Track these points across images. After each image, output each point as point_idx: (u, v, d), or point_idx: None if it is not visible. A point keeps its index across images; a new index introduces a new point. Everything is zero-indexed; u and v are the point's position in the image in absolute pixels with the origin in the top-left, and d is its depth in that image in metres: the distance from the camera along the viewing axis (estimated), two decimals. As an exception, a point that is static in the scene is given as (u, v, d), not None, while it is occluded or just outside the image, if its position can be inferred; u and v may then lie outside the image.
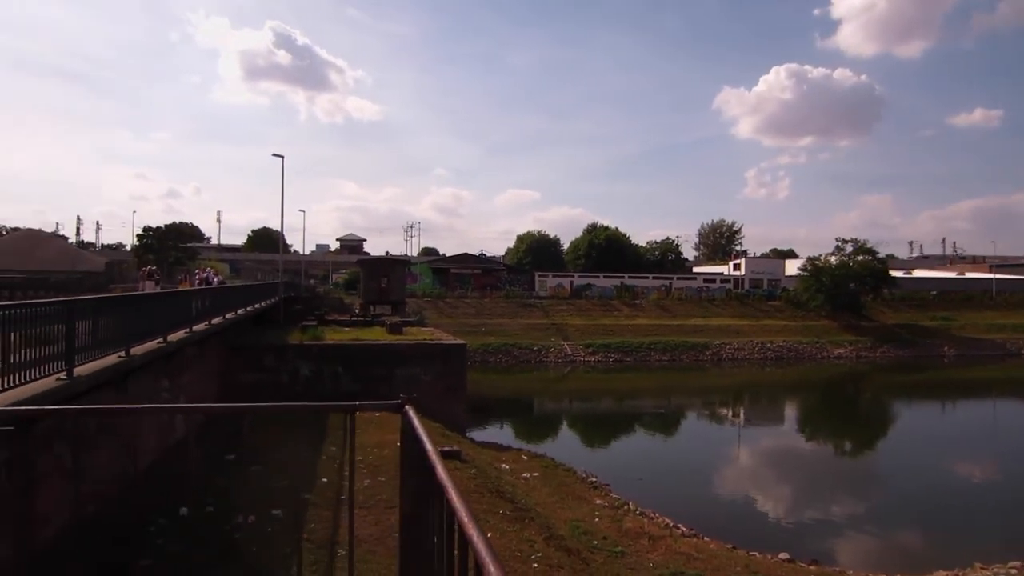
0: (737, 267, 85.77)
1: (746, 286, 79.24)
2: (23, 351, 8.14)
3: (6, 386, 7.60)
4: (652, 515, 18.10)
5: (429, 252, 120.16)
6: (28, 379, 8.13)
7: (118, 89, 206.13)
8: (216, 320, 20.12)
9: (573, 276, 78.04)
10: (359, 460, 16.03)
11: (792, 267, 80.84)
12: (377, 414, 15.65)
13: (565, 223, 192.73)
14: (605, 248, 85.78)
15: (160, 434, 15.65)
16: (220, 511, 12.61)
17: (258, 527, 11.79)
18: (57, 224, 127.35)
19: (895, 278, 78.65)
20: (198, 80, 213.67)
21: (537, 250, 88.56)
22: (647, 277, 78.61)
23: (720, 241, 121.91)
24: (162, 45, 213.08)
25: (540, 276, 76.35)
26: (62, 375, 8.97)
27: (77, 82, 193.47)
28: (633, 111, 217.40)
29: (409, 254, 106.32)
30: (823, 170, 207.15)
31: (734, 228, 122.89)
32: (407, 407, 3.10)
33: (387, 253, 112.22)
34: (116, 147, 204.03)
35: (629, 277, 77.45)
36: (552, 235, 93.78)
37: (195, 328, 17.13)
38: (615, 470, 23.65)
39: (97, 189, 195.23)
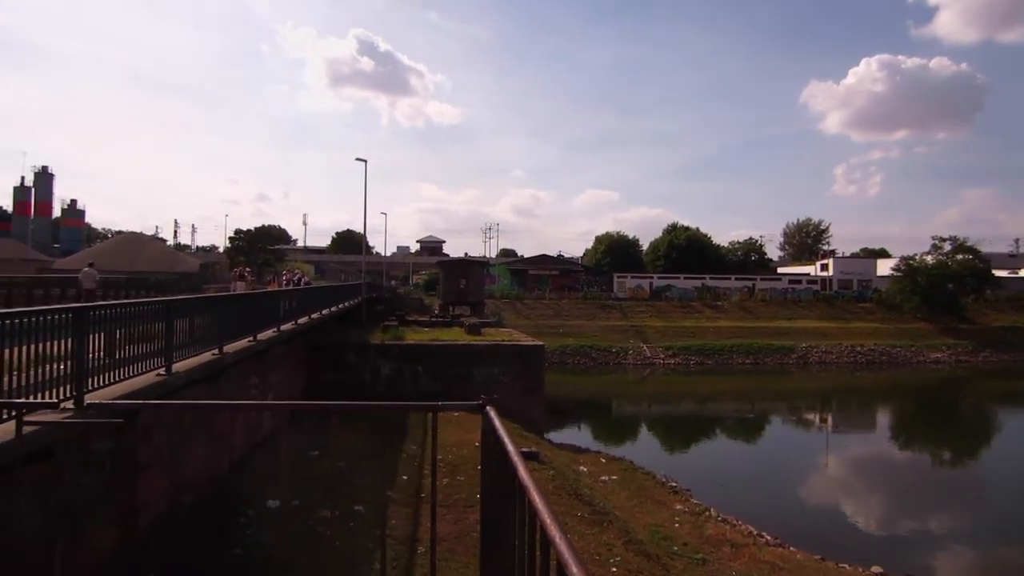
0: (825, 267, 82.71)
1: (834, 287, 76.36)
2: (127, 347, 8.63)
3: (113, 380, 8.06)
4: (735, 522, 17.66)
5: (507, 253, 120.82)
6: (132, 374, 8.60)
7: (214, 99, 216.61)
8: (302, 320, 20.79)
9: (652, 277, 76.98)
10: (438, 459, 16.26)
11: (884, 267, 77.36)
12: (456, 413, 15.86)
13: (644, 223, 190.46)
14: (685, 249, 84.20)
15: (249, 429, 16.29)
16: (305, 505, 13.02)
17: (341, 522, 12.13)
18: (156, 227, 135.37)
19: (999, 278, 74.21)
20: (286, 88, 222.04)
21: (616, 251, 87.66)
22: (729, 278, 76.76)
23: (806, 240, 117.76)
24: (254, 56, 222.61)
25: (619, 277, 75.64)
26: (161, 371, 9.45)
27: (178, 94, 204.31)
28: (714, 107, 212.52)
29: (487, 255, 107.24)
30: (919, 165, 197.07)
31: (821, 227, 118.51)
32: (488, 408, 3.13)
33: (466, 254, 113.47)
34: (210, 154, 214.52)
35: (710, 278, 75.81)
36: (631, 236, 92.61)
37: (283, 328, 17.74)
38: (696, 475, 23.19)
39: (193, 194, 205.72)
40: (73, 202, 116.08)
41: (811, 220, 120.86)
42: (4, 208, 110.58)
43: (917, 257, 71.16)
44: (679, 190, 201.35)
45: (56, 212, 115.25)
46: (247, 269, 35.82)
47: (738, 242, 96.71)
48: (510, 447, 2.58)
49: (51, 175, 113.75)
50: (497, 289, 71.04)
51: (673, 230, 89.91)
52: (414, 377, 25.49)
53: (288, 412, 16.80)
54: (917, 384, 50.32)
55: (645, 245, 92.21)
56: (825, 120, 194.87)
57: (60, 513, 7.48)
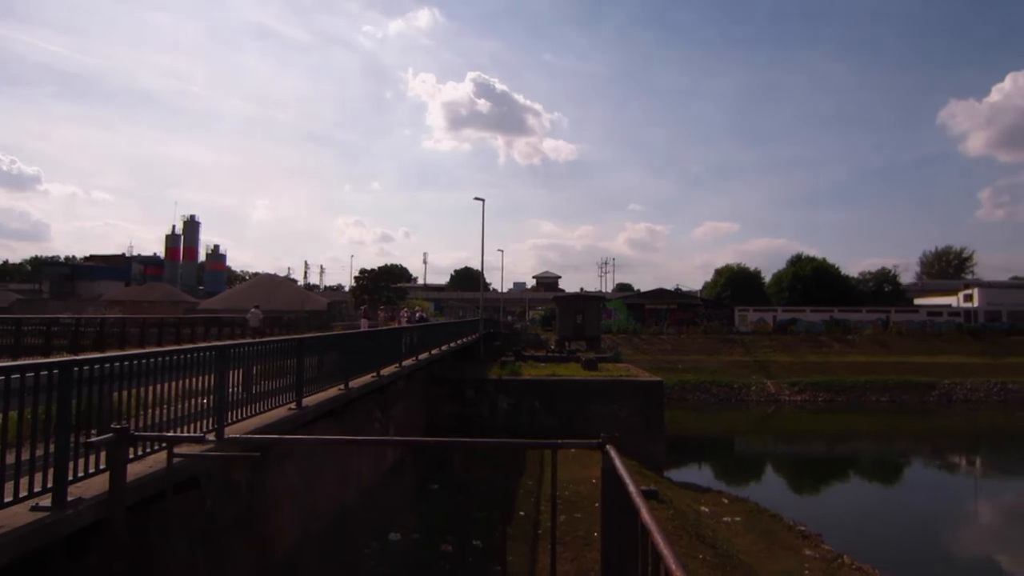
0: (969, 298, 76.65)
1: (981, 319, 70.55)
2: (262, 383, 9.14)
3: (249, 414, 8.54)
4: (871, 571, 16.41)
5: (624, 288, 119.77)
6: (266, 408, 9.08)
7: (343, 146, 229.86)
8: (423, 355, 21.35)
9: (776, 310, 73.95)
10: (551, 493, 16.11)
11: (1039, 297, 70.86)
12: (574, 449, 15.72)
13: (766, 255, 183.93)
14: (811, 280, 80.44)
15: (373, 462, 16.77)
16: (425, 538, 13.22)
17: (460, 556, 12.21)
18: (289, 269, 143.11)
19: None
20: (409, 133, 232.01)
21: (736, 283, 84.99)
22: (860, 310, 72.52)
23: (947, 269, 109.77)
24: (379, 103, 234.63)
25: (740, 311, 73.17)
26: (292, 405, 9.93)
27: (310, 143, 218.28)
28: (843, 132, 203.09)
29: (604, 290, 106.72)
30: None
31: (964, 255, 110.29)
32: (608, 446, 3.07)
33: (582, 289, 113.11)
34: (339, 198, 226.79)
35: (839, 311, 71.93)
36: (752, 268, 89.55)
37: (404, 363, 18.28)
38: (827, 519, 21.80)
39: (323, 236, 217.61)
40: (216, 247, 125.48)
41: (952, 248, 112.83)
42: (158, 254, 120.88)
43: (1077, 285, 64.79)
44: (804, 220, 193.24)
45: (201, 256, 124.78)
46: (363, 308, 37.38)
47: (869, 272, 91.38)
48: (632, 487, 2.52)
49: (198, 223, 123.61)
50: (614, 324, 70.34)
51: (798, 261, 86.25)
52: (531, 412, 25.55)
53: (411, 448, 17.19)
54: (1083, 425, 45.38)
55: (767, 277, 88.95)
56: (967, 141, 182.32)
57: (203, 539, 7.94)
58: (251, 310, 30.67)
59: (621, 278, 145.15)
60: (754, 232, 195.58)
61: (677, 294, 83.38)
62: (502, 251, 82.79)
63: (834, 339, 65.27)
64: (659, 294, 79.25)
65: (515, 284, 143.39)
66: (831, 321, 69.60)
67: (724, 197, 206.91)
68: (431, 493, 16.85)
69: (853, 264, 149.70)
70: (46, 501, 5.05)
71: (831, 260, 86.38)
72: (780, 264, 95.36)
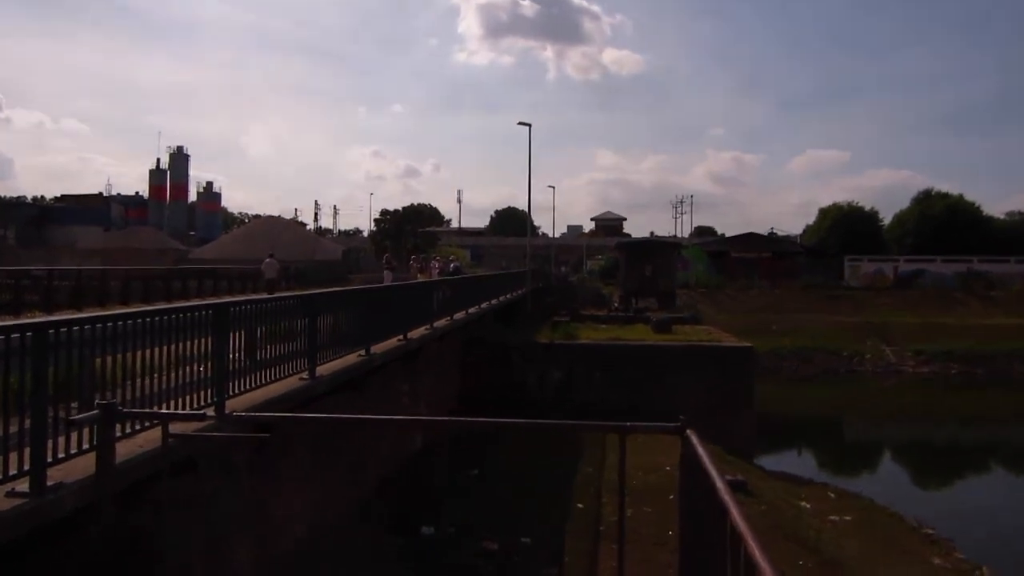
0: None
1: None
2: (267, 348, 9.35)
3: (254, 385, 8.77)
4: (1017, 587, 16.28)
5: (704, 232, 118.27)
6: (273, 378, 9.30)
7: (355, 62, 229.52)
8: (458, 315, 21.54)
9: (898, 260, 72.46)
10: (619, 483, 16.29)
11: None
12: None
13: (885, 191, 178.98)
14: (944, 223, 78.26)
15: (399, 443, 17.15)
16: (464, 534, 13.52)
17: (505, 556, 12.48)
18: (296, 211, 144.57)
19: None
20: (435, 43, 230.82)
21: (846, 227, 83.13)
22: (1007, 261, 70.52)
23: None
24: (399, 5, 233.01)
25: (851, 260, 71.87)
26: (304, 375, 10.14)
27: (316, 58, 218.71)
28: (986, 38, 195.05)
29: (679, 235, 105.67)
30: None
31: None
32: (688, 432, 3.08)
33: (651, 234, 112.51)
34: (353, 125, 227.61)
35: (979, 260, 70.06)
36: (867, 207, 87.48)
37: (436, 324, 18.48)
38: (961, 521, 21.59)
39: (335, 172, 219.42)
40: (209, 184, 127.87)
41: None
42: (140, 194, 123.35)
43: None
44: (934, 147, 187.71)
45: (191, 196, 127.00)
46: (387, 257, 37.68)
47: (1019, 213, 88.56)
48: (719, 483, 2.53)
49: (186, 156, 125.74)
50: (691, 276, 69.79)
51: (926, 198, 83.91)
52: (590, 384, 25.69)
53: (445, 430, 17.50)
54: None
55: (887, 219, 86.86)
56: None
57: (201, 529, 8.26)
58: (266, 259, 31.51)
59: (700, 220, 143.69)
60: (869, 162, 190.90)
61: (771, 239, 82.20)
62: (553, 188, 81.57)
63: (972, 296, 63.75)
64: (748, 240, 78.18)
65: (569, 228, 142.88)
66: (968, 274, 67.86)
67: (831, 120, 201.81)
68: (470, 480, 17.18)
69: (998, 203, 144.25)
70: (23, 486, 5.29)
71: (969, 197, 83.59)
72: (903, 203, 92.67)
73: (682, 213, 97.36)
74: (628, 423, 3.33)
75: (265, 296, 14.95)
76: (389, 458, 16.37)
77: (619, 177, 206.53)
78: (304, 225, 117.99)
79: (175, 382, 7.14)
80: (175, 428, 6.05)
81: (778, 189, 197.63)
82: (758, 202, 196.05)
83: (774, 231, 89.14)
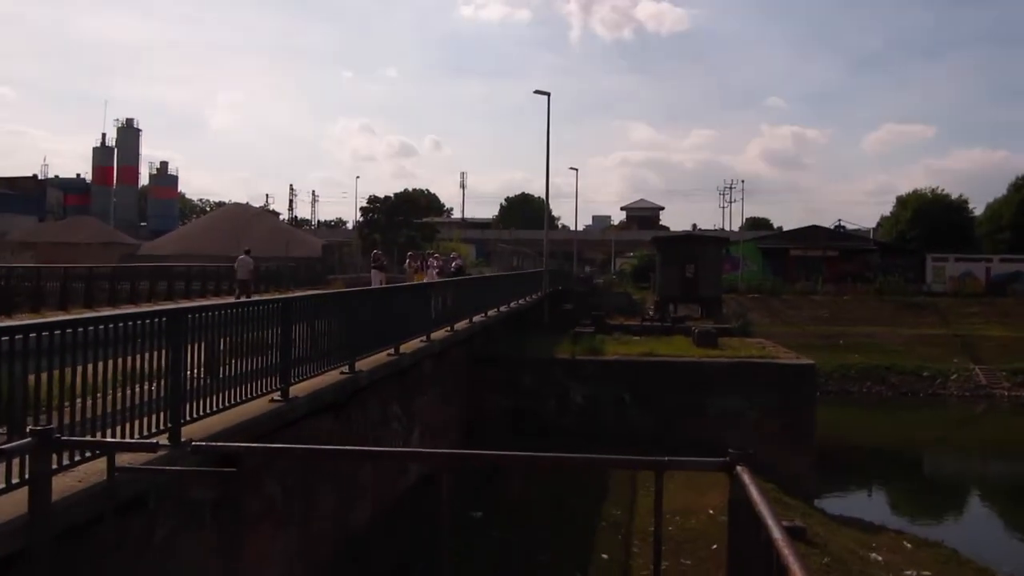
0: None
1: None
2: (233, 362, 9.37)
3: (215, 408, 8.78)
4: None
5: (757, 224, 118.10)
6: (239, 399, 9.32)
7: (340, 15, 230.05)
8: (461, 325, 21.57)
9: (991, 260, 72.18)
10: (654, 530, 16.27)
11: None
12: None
13: (977, 175, 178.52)
14: (1048, 215, 78.06)
15: (391, 477, 17.15)
16: (466, 589, 13.48)
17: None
18: (267, 197, 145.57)
19: None
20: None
21: (929, 219, 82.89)
22: None
23: None
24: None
25: (935, 260, 71.61)
26: (276, 396, 10.18)
27: (291, 10, 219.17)
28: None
29: (727, 228, 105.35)
30: None
31: None
32: (739, 467, 3.07)
33: (694, 227, 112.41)
34: (337, 93, 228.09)
35: (1090, 262, 69.89)
36: (954, 195, 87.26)
37: (434, 335, 18.53)
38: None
39: (313, 149, 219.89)
40: (164, 165, 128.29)
41: None
42: (82, 176, 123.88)
43: None
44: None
45: (143, 179, 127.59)
46: (376, 254, 37.56)
47: None
48: (776, 530, 2.52)
49: (137, 130, 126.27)
50: (742, 278, 69.74)
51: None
52: (618, 407, 25.68)
53: (442, 465, 17.46)
54: None
55: (978, 209, 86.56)
56: None
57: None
58: (240, 256, 31.43)
59: (753, 211, 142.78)
60: (958, 139, 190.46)
61: (838, 234, 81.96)
62: (576, 170, 79.06)
63: (1082, 304, 63.49)
64: (810, 234, 78.05)
65: (595, 219, 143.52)
66: (1079, 278, 67.72)
67: (912, 86, 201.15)
68: (473, 523, 17.17)
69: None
70: (-58, 527, 5.31)
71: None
72: (998, 190, 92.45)
73: (731, 201, 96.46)
74: (666, 457, 3.32)
75: (231, 301, 15.00)
76: (380, 494, 16.38)
77: (656, 157, 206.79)
78: (277, 215, 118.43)
79: (123, 404, 7.16)
80: (122, 460, 6.03)
81: (848, 173, 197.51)
82: (823, 188, 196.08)
83: (842, 224, 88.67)
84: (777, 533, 2.50)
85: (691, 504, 16.59)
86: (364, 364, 13.49)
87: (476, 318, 23.91)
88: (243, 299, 25.51)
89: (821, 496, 26.33)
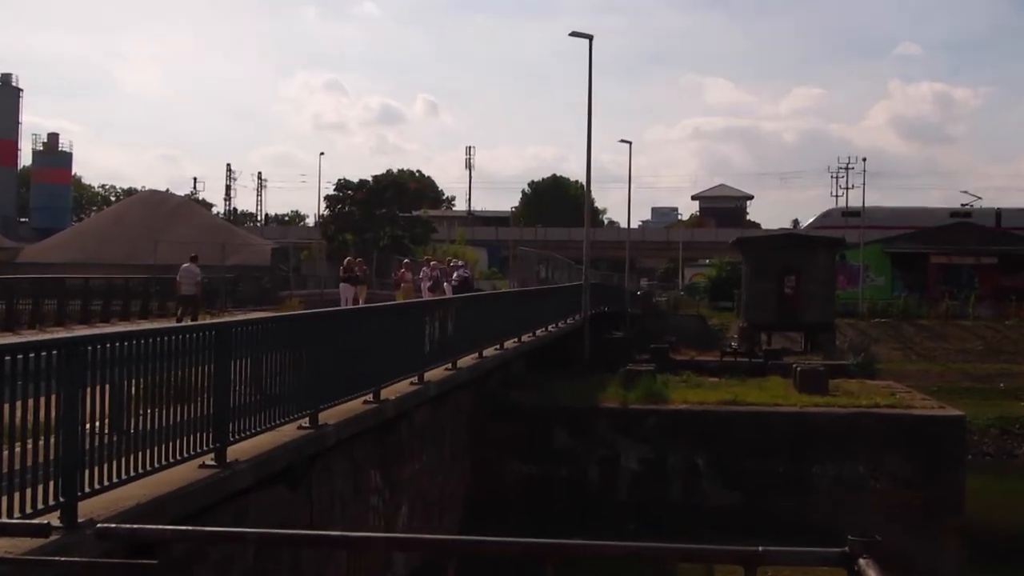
0: None
1: None
2: (146, 414, 9.37)
3: (122, 476, 8.77)
4: None
5: (885, 217, 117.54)
6: (156, 464, 9.32)
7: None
8: (466, 360, 21.60)
9: None
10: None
11: None
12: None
13: None
14: None
15: (368, 574, 17.14)
16: None
17: None
18: (195, 182, 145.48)
19: None
20: None
21: None
22: None
23: None
24: None
25: None
26: (208, 459, 10.17)
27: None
28: None
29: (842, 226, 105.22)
30: None
31: None
32: (863, 561, 3.06)
33: (795, 224, 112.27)
34: (295, 38, 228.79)
35: None
36: None
37: (428, 376, 18.54)
38: None
39: (261, 116, 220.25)
40: (53, 139, 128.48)
41: None
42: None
43: None
44: None
45: (25, 158, 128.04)
46: (349, 262, 37.45)
47: None
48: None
49: (17, 90, 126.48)
50: (864, 296, 69.49)
51: None
52: (687, 475, 25.58)
53: (443, 552, 17.43)
54: None
55: None
56: None
57: None
58: (184, 264, 31.65)
59: (878, 199, 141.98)
60: None
61: (999, 234, 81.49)
62: (629, 144, 75.07)
63: None
64: (960, 233, 77.67)
65: (655, 213, 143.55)
66: None
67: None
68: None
69: None
70: None
71: None
72: None
73: (847, 188, 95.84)
74: (759, 547, 3.31)
75: (146, 328, 15.03)
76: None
77: (741, 127, 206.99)
78: (209, 206, 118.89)
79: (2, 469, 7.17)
80: (4, 549, 6.09)
81: (1012, 148, 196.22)
82: (977, 170, 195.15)
83: (1003, 219, 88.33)
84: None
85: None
86: (331, 415, 13.50)
87: (487, 351, 23.91)
88: (187, 321, 25.70)
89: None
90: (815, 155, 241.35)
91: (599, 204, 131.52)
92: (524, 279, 53.72)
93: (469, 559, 18.03)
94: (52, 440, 7.72)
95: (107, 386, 8.59)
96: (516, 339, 27.27)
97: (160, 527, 3.99)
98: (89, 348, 8.37)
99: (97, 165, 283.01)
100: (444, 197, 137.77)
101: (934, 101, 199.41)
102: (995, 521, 34.38)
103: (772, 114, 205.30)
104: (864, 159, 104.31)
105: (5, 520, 6.86)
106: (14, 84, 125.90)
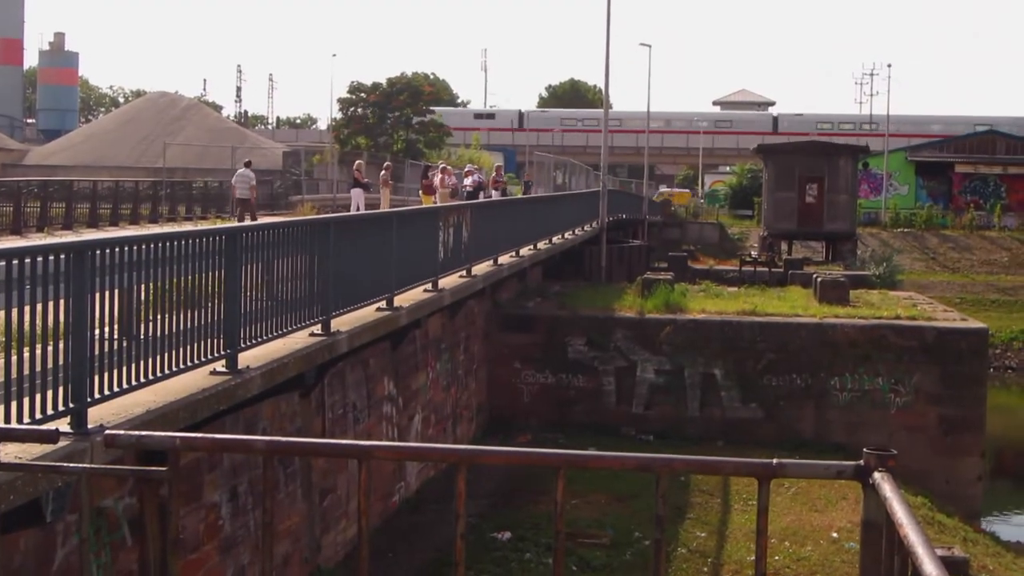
0: None
1: None
2: (156, 321, 9.38)
3: (132, 384, 8.79)
4: None
5: (909, 124, 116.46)
6: (166, 371, 9.36)
7: None
8: (481, 267, 21.62)
9: None
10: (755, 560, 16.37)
11: None
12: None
13: None
14: None
15: (379, 484, 17.27)
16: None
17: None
18: (204, 83, 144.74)
19: None
20: None
21: None
22: None
23: None
24: None
25: None
26: (219, 366, 10.20)
27: None
28: None
29: (865, 132, 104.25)
30: None
31: None
32: (878, 475, 3.06)
33: (818, 130, 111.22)
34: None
35: None
36: None
37: (442, 283, 18.57)
38: None
39: (271, 15, 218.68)
40: (60, 38, 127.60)
41: None
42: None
43: None
44: None
45: (31, 58, 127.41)
46: (359, 165, 37.35)
47: None
48: (929, 566, 2.53)
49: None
50: (887, 205, 69.13)
51: None
52: (705, 387, 25.58)
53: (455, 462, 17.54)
54: None
55: None
56: None
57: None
58: (239, 168, 31.92)
59: (904, 106, 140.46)
60: None
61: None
62: (649, 48, 75.46)
63: None
64: (984, 142, 77.02)
65: (675, 115, 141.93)
66: None
67: None
68: (500, 548, 17.29)
69: None
70: None
71: None
72: None
73: (872, 94, 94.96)
74: (774, 460, 3.32)
75: (153, 232, 15.00)
76: (366, 506, 16.51)
77: (760, 25, 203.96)
78: (219, 109, 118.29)
79: (5, 376, 7.20)
80: (8, 453, 6.14)
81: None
82: (1015, 72, 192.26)
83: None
84: (929, 566, 2.50)
85: (807, 525, 16.65)
86: (343, 322, 13.51)
87: (503, 259, 23.86)
88: (246, 221, 25.94)
89: (990, 515, 26.27)
90: (838, 60, 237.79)
91: (617, 108, 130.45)
92: (538, 185, 53.42)
93: (481, 470, 18.20)
94: (61, 345, 7.71)
95: (116, 291, 8.59)
96: (532, 246, 27.20)
97: (169, 434, 4.00)
98: (98, 252, 8.34)
99: (105, 68, 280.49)
100: (459, 101, 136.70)
101: None
102: (1014, 437, 34.49)
103: (792, 7, 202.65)
104: (889, 66, 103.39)
105: (14, 425, 6.89)
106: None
